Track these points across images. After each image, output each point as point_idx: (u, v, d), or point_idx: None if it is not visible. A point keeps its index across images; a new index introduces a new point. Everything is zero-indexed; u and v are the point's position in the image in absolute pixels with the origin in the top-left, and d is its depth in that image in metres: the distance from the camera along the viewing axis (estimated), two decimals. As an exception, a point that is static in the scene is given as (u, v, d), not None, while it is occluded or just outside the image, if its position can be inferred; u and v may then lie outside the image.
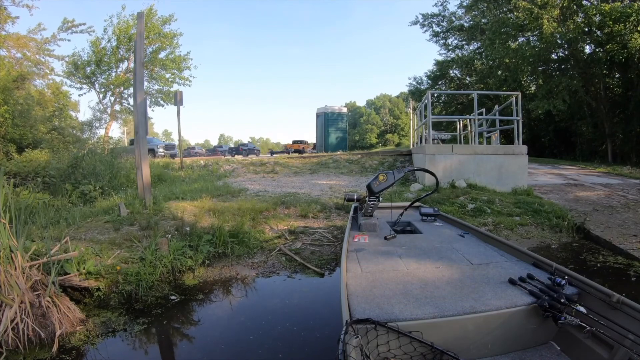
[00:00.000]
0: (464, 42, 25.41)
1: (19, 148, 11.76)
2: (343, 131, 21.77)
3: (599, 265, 4.23)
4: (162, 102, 21.61)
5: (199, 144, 57.47)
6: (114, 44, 20.41)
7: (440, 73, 26.47)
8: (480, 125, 9.42)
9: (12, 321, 2.58)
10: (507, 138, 16.94)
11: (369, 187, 3.08)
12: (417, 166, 2.59)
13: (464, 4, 22.78)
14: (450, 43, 25.87)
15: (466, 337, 1.72)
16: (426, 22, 24.92)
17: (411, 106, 25.09)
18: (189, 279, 3.71)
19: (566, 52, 16.94)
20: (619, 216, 5.52)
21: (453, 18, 24.34)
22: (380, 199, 3.24)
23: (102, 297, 3.26)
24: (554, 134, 20.92)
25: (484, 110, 9.76)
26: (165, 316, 3.07)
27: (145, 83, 21.74)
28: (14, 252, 2.76)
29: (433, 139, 17.47)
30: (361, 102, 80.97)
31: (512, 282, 2.02)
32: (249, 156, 24.81)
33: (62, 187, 7.25)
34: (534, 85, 19.95)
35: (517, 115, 7.63)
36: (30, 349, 2.57)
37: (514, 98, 7.77)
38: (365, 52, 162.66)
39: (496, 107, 9.68)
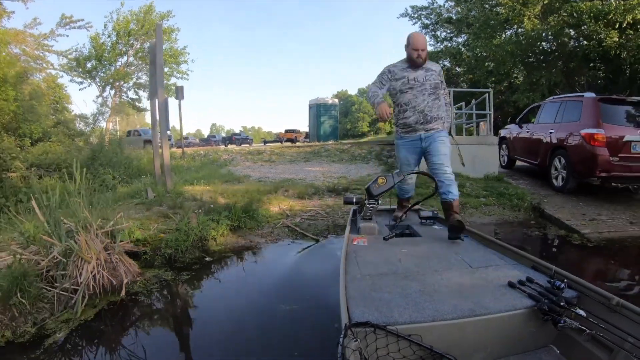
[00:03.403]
0: (452, 35, 25.75)
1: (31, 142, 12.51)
2: (335, 120, 22.72)
3: (545, 235, 5.29)
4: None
5: (191, 133, 57.86)
6: (114, 39, 21.02)
7: None
8: (459, 117, 10.42)
9: (91, 273, 3.50)
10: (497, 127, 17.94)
11: (367, 190, 3.11)
12: (417, 170, 2.83)
13: None
14: (439, 35, 26.16)
15: (465, 341, 1.74)
16: (415, 15, 25.20)
17: None
18: (213, 245, 4.67)
19: (551, 45, 17.65)
20: (575, 199, 6.50)
21: (441, 11, 24.66)
22: (380, 201, 3.29)
23: (148, 259, 4.20)
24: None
25: (462, 104, 10.73)
26: (202, 271, 4.04)
27: (144, 77, 22.47)
28: (89, 222, 3.69)
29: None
30: (353, 91, 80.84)
31: (511, 285, 2.05)
32: (242, 145, 25.58)
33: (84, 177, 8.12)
34: (521, 77, 20.68)
35: (490, 110, 8.62)
36: (104, 294, 3.48)
37: (486, 95, 8.76)
38: (357, 40, 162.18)
39: (473, 100, 10.67)
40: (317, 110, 21.85)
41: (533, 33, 15.75)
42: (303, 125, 53.50)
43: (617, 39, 13.32)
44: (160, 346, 2.78)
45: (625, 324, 1.67)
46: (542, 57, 18.09)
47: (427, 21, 25.47)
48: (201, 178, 7.66)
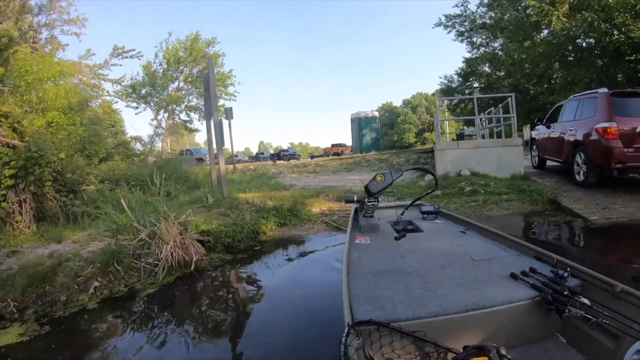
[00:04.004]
0: (488, 40, 25.92)
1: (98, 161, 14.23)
2: (376, 132, 23.55)
3: (553, 220, 5.81)
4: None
5: (240, 151, 60.50)
6: (165, 67, 23.15)
7: (470, 70, 27.10)
8: (491, 121, 10.88)
9: (169, 251, 4.50)
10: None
11: (366, 188, 3.15)
12: (414, 165, 2.93)
13: (484, 2, 23.43)
14: (475, 41, 26.36)
15: (470, 334, 1.74)
16: (449, 23, 25.47)
17: (442, 104, 25.84)
18: (263, 237, 5.60)
19: (583, 43, 17.34)
20: (594, 192, 6.83)
21: (475, 17, 24.78)
22: (379, 199, 3.34)
23: (211, 245, 5.17)
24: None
25: (492, 109, 11.15)
26: (253, 255, 4.97)
27: (195, 100, 24.44)
28: (167, 214, 4.72)
29: (466, 135, 18.81)
30: (397, 102, 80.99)
31: (514, 276, 2.05)
32: (290, 161, 26.78)
33: (151, 188, 9.43)
34: (559, 77, 20.40)
35: (512, 113, 9.09)
36: (178, 267, 4.45)
37: (509, 99, 9.24)
38: (399, 52, 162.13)
39: (499, 105, 11.10)
40: (359, 123, 22.85)
41: (564, 32, 15.74)
42: (349, 139, 54.48)
43: None
44: (218, 306, 3.70)
45: (630, 310, 1.67)
46: (576, 55, 17.73)
47: (461, 29, 25.63)
48: (252, 187, 8.69)
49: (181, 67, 23.84)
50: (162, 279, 4.14)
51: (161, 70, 23.33)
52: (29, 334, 3.13)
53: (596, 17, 14.79)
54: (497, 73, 27.04)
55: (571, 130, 7.23)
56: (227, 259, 4.79)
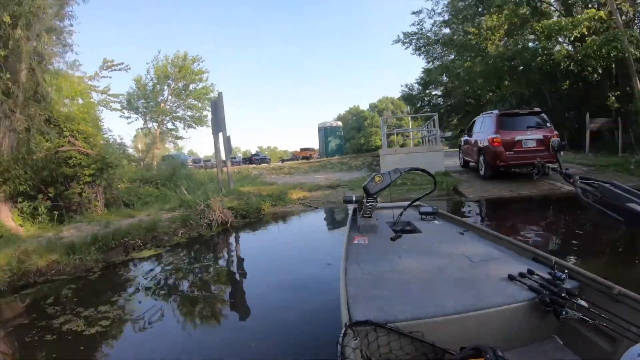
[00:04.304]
0: (443, 54, 28.69)
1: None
2: (339, 139, 27.56)
3: (447, 198, 9.53)
4: (194, 125, 27.25)
5: (209, 156, 62.35)
6: (155, 81, 26.18)
7: (428, 79, 29.51)
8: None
9: (216, 216, 7.92)
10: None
11: (365, 188, 3.15)
12: (412, 167, 3.67)
13: (437, 22, 26.52)
14: (432, 54, 28.96)
15: (468, 335, 1.73)
16: (407, 40, 27.68)
17: (386, 121, 27.99)
18: (264, 212, 9.10)
19: (514, 63, 19.57)
20: (489, 183, 10.49)
21: (430, 35, 27.46)
22: (378, 199, 3.34)
23: (235, 215, 8.62)
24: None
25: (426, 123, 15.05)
26: (259, 220, 8.48)
27: (181, 111, 27.50)
28: (212, 197, 8.16)
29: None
30: (364, 106, 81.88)
31: (512, 278, 2.06)
32: (261, 164, 29.86)
33: (169, 185, 12.69)
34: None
35: (436, 127, 12.99)
36: (221, 225, 7.86)
37: (433, 117, 13.19)
38: (366, 55, 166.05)
39: (429, 121, 14.99)
40: (325, 132, 27.26)
41: (496, 55, 18.80)
42: (316, 143, 57.21)
43: (565, 52, 16.25)
44: (243, 242, 7.21)
45: (627, 312, 1.69)
46: (509, 74, 20.27)
47: (419, 44, 27.93)
48: (247, 184, 12.16)
49: (169, 81, 26.73)
50: (215, 229, 7.57)
51: (151, 84, 26.26)
52: (156, 253, 6.48)
53: (525, 41, 18.13)
54: (453, 83, 28.88)
55: (478, 139, 10.74)
56: (245, 222, 8.28)
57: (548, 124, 9.74)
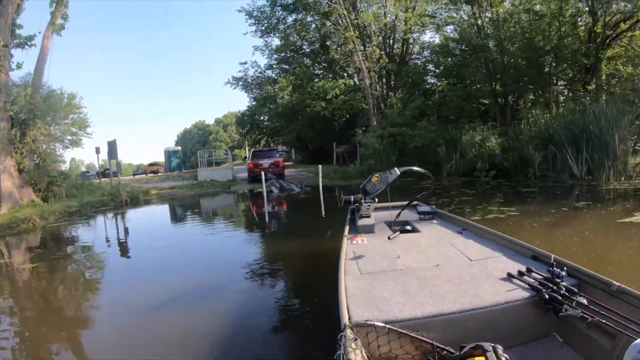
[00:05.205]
0: (262, 95, 34.64)
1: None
2: (179, 159, 39.48)
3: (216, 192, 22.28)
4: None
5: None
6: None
7: (254, 112, 35.92)
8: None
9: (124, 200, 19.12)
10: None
11: (363, 188, 3.21)
12: (409, 167, 3.34)
13: (257, 71, 35.00)
14: (255, 93, 36.05)
15: (467, 334, 1.74)
16: (235, 82, 34.76)
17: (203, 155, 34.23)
18: (139, 198, 20.51)
19: (299, 111, 28.89)
20: (253, 184, 23.55)
21: (251, 81, 34.65)
22: (376, 200, 3.38)
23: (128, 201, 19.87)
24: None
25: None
26: (138, 203, 19.98)
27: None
28: (119, 192, 19.39)
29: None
30: (210, 121, 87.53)
31: (511, 276, 2.08)
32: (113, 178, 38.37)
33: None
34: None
35: (229, 155, 25.85)
36: (123, 203, 19.13)
37: (227, 150, 26.04)
38: (214, 69, 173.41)
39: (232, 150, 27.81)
40: (169, 154, 39.52)
41: (284, 105, 29.57)
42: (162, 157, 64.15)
43: (324, 105, 25.60)
44: (126, 213, 18.84)
45: (626, 309, 1.71)
46: (295, 117, 30.32)
47: (244, 85, 34.85)
48: (127, 187, 23.02)
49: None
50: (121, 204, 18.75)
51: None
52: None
53: (307, 95, 27.02)
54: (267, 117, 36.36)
55: (249, 162, 23.46)
56: (133, 202, 19.54)
57: (278, 154, 23.32)
